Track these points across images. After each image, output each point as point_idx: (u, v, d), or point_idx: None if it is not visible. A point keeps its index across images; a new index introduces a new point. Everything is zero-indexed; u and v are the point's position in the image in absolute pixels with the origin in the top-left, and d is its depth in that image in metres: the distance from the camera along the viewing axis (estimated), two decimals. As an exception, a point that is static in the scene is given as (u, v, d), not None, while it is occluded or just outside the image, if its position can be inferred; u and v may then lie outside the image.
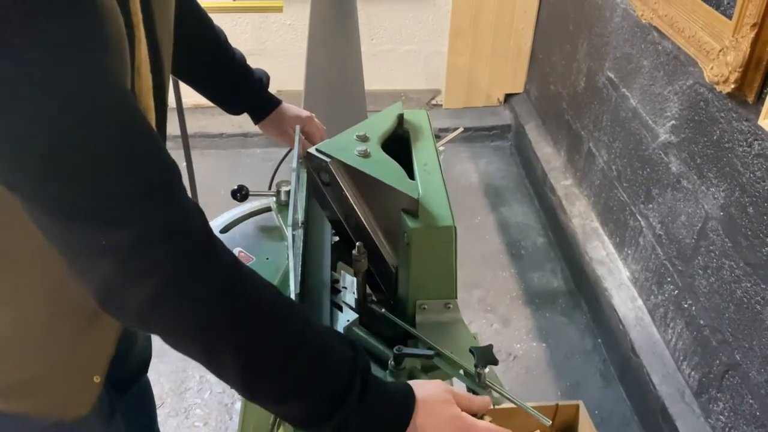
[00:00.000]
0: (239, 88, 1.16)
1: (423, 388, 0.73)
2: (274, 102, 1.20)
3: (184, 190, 0.62)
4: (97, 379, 0.85)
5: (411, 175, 0.95)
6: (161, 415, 1.86)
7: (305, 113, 1.23)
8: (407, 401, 0.71)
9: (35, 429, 0.84)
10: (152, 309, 0.60)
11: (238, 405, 1.92)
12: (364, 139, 0.97)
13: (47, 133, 0.53)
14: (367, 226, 0.96)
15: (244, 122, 3.12)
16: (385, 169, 0.92)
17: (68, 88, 0.53)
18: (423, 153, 1.01)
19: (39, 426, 0.84)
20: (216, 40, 1.13)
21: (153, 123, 0.74)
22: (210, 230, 0.63)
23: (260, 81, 1.18)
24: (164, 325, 0.62)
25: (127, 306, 0.60)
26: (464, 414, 0.73)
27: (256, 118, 1.21)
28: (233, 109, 1.19)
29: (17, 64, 0.50)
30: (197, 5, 1.12)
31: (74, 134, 0.54)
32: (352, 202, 0.95)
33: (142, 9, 0.68)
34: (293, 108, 1.23)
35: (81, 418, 0.85)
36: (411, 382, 0.73)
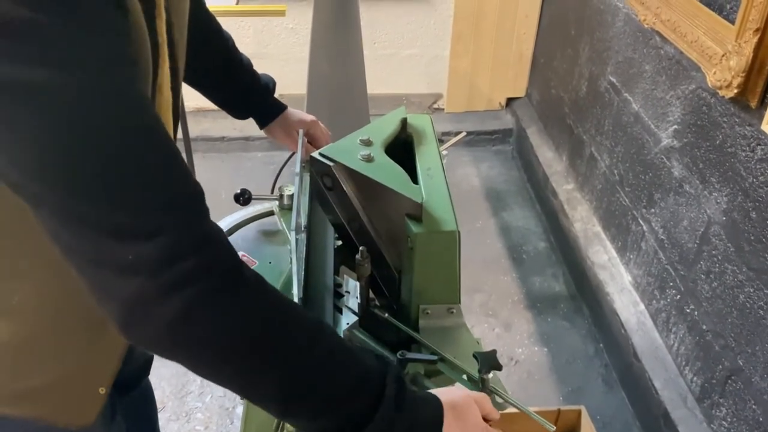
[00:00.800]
0: (246, 94, 1.17)
1: (448, 394, 0.73)
2: (279, 107, 1.21)
3: (207, 207, 0.61)
4: (102, 391, 0.86)
5: (414, 179, 0.94)
6: (162, 418, 1.85)
7: (309, 117, 1.23)
8: (437, 407, 0.70)
9: None
10: (182, 326, 0.58)
11: (240, 409, 1.91)
12: (367, 143, 0.97)
13: (77, 146, 0.53)
14: (370, 231, 0.96)
15: (245, 126, 3.13)
16: (388, 173, 0.92)
17: (99, 102, 0.53)
18: (426, 157, 1.00)
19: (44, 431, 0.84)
20: (225, 46, 1.14)
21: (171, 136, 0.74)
22: (233, 247, 0.62)
23: (266, 87, 1.18)
24: (192, 345, 0.60)
25: (154, 324, 0.58)
26: (486, 424, 0.74)
27: (261, 123, 1.22)
28: (239, 114, 1.20)
29: (53, 77, 0.50)
30: (207, 11, 1.12)
31: (104, 148, 0.54)
32: (355, 206, 0.95)
33: (166, 29, 0.69)
34: (297, 113, 1.23)
35: (86, 427, 0.86)
36: (433, 391, 0.73)
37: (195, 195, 0.60)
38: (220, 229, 0.62)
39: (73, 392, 0.84)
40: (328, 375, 0.64)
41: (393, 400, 0.65)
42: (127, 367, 1.27)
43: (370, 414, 0.64)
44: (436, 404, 0.71)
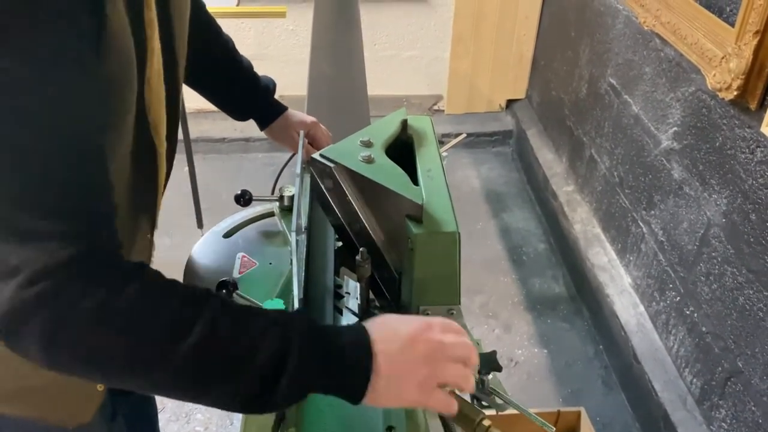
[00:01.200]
0: (246, 96, 1.17)
1: (374, 320, 0.68)
2: (280, 109, 1.21)
3: (111, 228, 0.61)
4: (100, 388, 0.86)
5: (415, 180, 0.95)
6: (162, 419, 1.85)
7: (310, 119, 1.23)
8: (360, 334, 0.66)
9: None
10: (61, 333, 0.57)
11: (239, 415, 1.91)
12: (368, 144, 0.97)
13: None
14: (370, 232, 0.96)
15: (246, 127, 3.13)
16: (389, 174, 0.92)
17: (27, 95, 0.54)
18: (427, 159, 1.01)
19: (43, 430, 0.84)
20: (224, 48, 1.14)
21: (164, 134, 0.74)
22: (120, 262, 0.62)
23: (267, 88, 1.18)
24: (69, 354, 0.59)
25: (32, 332, 0.57)
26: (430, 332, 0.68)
27: (262, 125, 1.22)
28: (239, 115, 1.20)
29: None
30: (206, 13, 1.13)
31: (17, 144, 0.55)
32: (355, 207, 0.95)
33: (161, 21, 0.69)
34: (298, 114, 1.23)
35: (84, 424, 0.86)
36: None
37: (93, 206, 0.60)
38: (111, 236, 0.62)
39: (71, 391, 0.84)
40: (222, 350, 0.61)
41: (298, 352, 0.62)
42: None
43: (281, 368, 0.61)
44: (358, 333, 0.66)
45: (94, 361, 0.60)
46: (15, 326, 0.57)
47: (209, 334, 0.60)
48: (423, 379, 0.66)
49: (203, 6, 1.12)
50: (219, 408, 0.64)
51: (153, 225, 0.86)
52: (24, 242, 0.56)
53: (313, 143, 1.22)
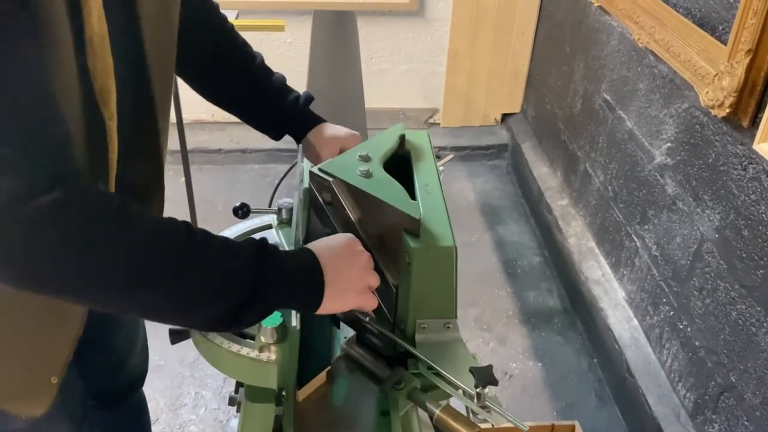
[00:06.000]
0: (273, 109, 1.14)
1: (312, 243, 0.83)
2: (312, 122, 1.16)
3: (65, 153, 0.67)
4: (54, 380, 0.86)
5: (412, 195, 0.96)
6: (156, 430, 1.85)
7: (344, 132, 1.16)
8: (310, 254, 0.80)
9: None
10: (50, 258, 0.63)
11: (234, 422, 1.91)
12: (366, 159, 0.98)
13: None
14: (368, 245, 0.97)
15: (242, 138, 3.15)
16: (386, 189, 0.93)
17: None
18: (424, 173, 1.02)
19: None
20: (247, 62, 1.12)
21: (113, 107, 0.73)
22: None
23: (296, 101, 1.14)
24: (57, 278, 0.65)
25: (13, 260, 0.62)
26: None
27: (296, 140, 1.17)
28: (272, 131, 1.16)
29: None
30: (230, 30, 1.12)
31: None
32: (353, 221, 0.96)
33: None
34: (334, 128, 1.17)
35: (39, 418, 0.87)
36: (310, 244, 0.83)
37: (53, 139, 0.65)
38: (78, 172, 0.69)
39: (23, 380, 0.85)
40: (196, 278, 0.70)
41: (257, 272, 0.73)
42: (121, 378, 1.28)
43: (253, 294, 0.73)
44: (308, 258, 0.80)
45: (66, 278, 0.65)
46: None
47: (191, 263, 0.70)
48: (359, 285, 0.84)
49: (223, 23, 1.11)
50: (189, 327, 0.76)
51: None
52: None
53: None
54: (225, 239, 0.75)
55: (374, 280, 0.87)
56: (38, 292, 0.67)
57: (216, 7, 1.12)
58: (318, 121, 1.16)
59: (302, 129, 1.16)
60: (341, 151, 1.13)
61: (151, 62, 0.82)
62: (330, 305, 0.81)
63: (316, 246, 0.83)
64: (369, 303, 0.86)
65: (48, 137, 0.65)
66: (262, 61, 1.15)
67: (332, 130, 1.16)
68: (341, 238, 0.86)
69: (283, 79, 1.16)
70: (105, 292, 0.68)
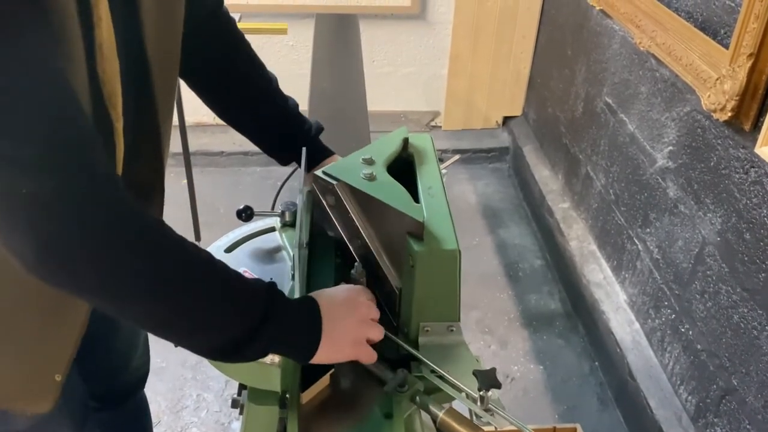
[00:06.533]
0: (286, 137, 1.13)
1: (316, 293, 0.84)
2: (324, 154, 1.15)
3: (96, 159, 0.66)
4: (58, 378, 0.87)
5: (416, 198, 0.96)
6: (157, 433, 1.85)
7: None
8: (313, 304, 0.81)
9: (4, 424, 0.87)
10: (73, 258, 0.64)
11: (236, 425, 1.91)
12: (369, 162, 0.99)
13: None
14: (371, 248, 0.97)
15: (244, 141, 3.12)
16: (390, 192, 0.93)
17: None
18: (427, 176, 1.02)
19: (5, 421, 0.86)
20: (263, 85, 1.11)
21: (119, 109, 0.74)
22: (121, 196, 0.67)
23: (310, 131, 1.14)
24: (85, 279, 0.66)
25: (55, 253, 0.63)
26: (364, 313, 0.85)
27: (306, 169, 1.16)
28: (281, 158, 1.16)
29: None
30: (247, 52, 1.11)
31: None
32: (357, 224, 0.96)
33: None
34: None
35: (41, 419, 0.87)
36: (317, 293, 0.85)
37: (84, 140, 0.65)
38: (111, 175, 0.70)
39: (28, 378, 0.85)
40: (211, 301, 0.72)
41: (265, 314, 0.74)
42: (122, 379, 1.28)
43: (251, 327, 0.74)
44: (310, 304, 0.81)
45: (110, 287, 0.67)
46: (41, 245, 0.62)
47: (210, 285, 0.72)
48: (355, 337, 0.83)
49: (243, 47, 1.11)
50: (188, 349, 0.75)
51: None
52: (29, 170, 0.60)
53: None
54: (236, 272, 0.76)
55: (375, 334, 0.85)
56: (61, 287, 0.68)
57: (234, 24, 1.11)
58: (329, 153, 1.16)
59: (314, 160, 1.15)
60: None
61: (154, 68, 0.83)
62: (323, 356, 0.80)
63: (318, 296, 0.83)
64: (365, 356, 0.84)
65: (83, 135, 0.65)
66: (277, 84, 1.14)
67: None
68: (343, 288, 0.87)
69: (297, 105, 1.15)
70: (129, 298, 0.69)
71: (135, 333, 1.24)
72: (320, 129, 1.16)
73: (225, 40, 1.10)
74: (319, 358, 0.80)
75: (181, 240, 0.71)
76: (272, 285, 0.78)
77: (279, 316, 0.76)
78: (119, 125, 0.75)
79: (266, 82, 1.12)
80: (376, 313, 0.87)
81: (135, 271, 0.66)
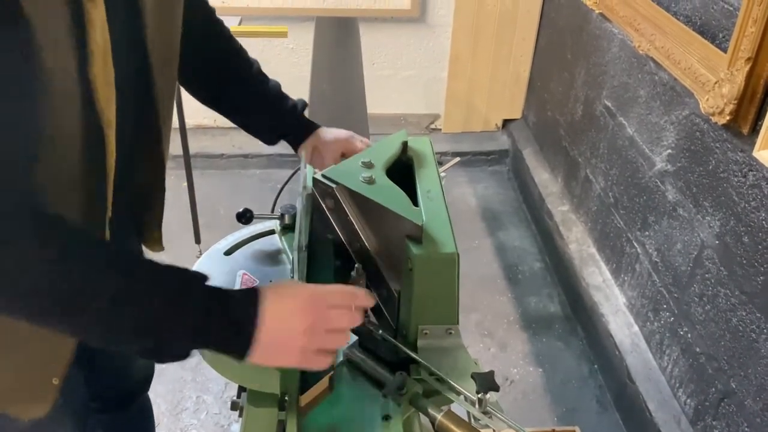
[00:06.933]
0: (269, 115, 1.14)
1: (271, 287, 0.77)
2: (309, 128, 1.17)
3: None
4: (55, 381, 0.87)
5: (415, 201, 0.96)
6: (157, 435, 1.85)
7: (344, 134, 1.17)
8: (253, 302, 0.74)
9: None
10: None
11: (235, 426, 1.91)
12: (369, 165, 0.99)
13: None
14: (370, 251, 0.98)
15: (244, 143, 3.16)
16: (389, 195, 0.94)
17: None
18: (426, 180, 1.03)
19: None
20: (245, 67, 1.13)
21: (112, 112, 0.73)
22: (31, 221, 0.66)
23: (294, 108, 1.15)
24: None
25: None
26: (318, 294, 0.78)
27: (294, 146, 1.18)
28: (267, 137, 1.17)
29: None
30: (227, 38, 1.12)
31: None
32: (356, 227, 0.97)
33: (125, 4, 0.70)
34: (331, 131, 1.18)
35: (40, 420, 0.87)
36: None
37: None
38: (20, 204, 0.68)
39: (24, 382, 0.85)
40: (131, 313, 0.70)
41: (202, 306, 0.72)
42: (126, 381, 1.29)
43: (180, 330, 0.71)
44: (246, 303, 0.74)
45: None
46: None
47: (119, 300, 0.69)
48: (302, 347, 0.76)
49: (220, 30, 1.12)
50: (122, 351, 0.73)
51: (104, 214, 0.82)
52: None
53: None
54: (172, 270, 0.73)
55: (333, 343, 0.79)
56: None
57: (213, 12, 1.13)
58: (314, 126, 1.18)
59: (301, 135, 1.17)
60: (343, 154, 1.14)
61: (156, 70, 0.83)
62: (261, 359, 0.75)
63: (273, 291, 0.76)
64: (316, 365, 0.78)
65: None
66: (259, 67, 1.16)
67: (332, 133, 1.17)
68: (306, 291, 0.79)
69: (279, 85, 1.17)
70: (40, 314, 0.69)
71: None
72: (305, 105, 1.17)
73: (204, 25, 1.10)
74: (259, 360, 0.75)
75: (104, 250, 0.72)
76: (204, 278, 0.75)
77: (206, 308, 0.72)
78: (110, 131, 0.74)
79: (247, 64, 1.13)
80: (348, 322, 0.80)
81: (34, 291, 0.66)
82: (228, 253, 1.13)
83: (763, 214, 1.44)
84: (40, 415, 0.87)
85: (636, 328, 2.07)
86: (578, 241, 2.47)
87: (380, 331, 0.94)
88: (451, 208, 0.96)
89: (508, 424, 0.81)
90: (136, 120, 0.83)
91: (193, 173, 2.40)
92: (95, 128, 0.73)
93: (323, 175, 0.97)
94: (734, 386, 1.56)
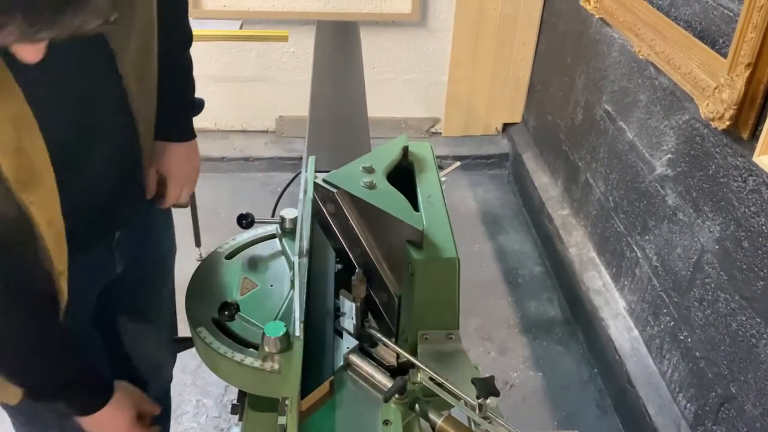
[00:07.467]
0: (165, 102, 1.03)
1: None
2: (180, 135, 1.15)
3: None
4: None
5: (415, 206, 0.97)
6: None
7: (169, 168, 1.18)
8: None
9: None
10: None
11: (235, 430, 1.91)
12: (369, 170, 1.00)
13: None
14: (371, 256, 0.98)
15: (245, 146, 3.16)
16: (390, 200, 0.94)
17: None
18: (427, 185, 1.03)
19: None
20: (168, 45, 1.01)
21: (38, 186, 0.76)
22: None
23: (192, 107, 1.14)
24: None
25: None
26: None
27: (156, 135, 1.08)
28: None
29: None
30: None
31: None
32: (357, 232, 0.97)
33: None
34: (181, 155, 1.20)
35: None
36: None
37: None
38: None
39: None
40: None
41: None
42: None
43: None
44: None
45: None
46: None
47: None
48: None
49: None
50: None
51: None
52: None
53: (161, 182, 1.16)
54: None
55: None
56: None
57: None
58: (190, 136, 1.19)
59: (167, 132, 1.12)
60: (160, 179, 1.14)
61: (138, 116, 0.92)
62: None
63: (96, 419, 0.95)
64: None
65: None
66: (184, 47, 1.08)
67: (179, 156, 1.19)
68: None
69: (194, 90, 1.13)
70: None
71: (160, 347, 1.26)
72: (202, 105, 1.15)
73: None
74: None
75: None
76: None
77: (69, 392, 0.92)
78: (33, 208, 0.77)
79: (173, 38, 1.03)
80: None
81: None
82: (229, 257, 1.14)
83: (763, 219, 1.44)
84: (12, 403, 0.95)
85: (636, 332, 2.07)
86: (578, 245, 2.47)
87: (379, 335, 0.94)
88: (451, 212, 0.97)
89: (508, 429, 0.81)
90: (120, 149, 0.92)
91: (194, 176, 2.39)
92: (17, 208, 0.77)
93: (324, 180, 0.98)
94: (734, 391, 1.56)
